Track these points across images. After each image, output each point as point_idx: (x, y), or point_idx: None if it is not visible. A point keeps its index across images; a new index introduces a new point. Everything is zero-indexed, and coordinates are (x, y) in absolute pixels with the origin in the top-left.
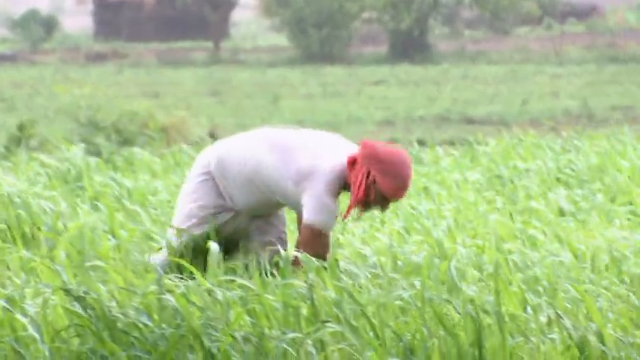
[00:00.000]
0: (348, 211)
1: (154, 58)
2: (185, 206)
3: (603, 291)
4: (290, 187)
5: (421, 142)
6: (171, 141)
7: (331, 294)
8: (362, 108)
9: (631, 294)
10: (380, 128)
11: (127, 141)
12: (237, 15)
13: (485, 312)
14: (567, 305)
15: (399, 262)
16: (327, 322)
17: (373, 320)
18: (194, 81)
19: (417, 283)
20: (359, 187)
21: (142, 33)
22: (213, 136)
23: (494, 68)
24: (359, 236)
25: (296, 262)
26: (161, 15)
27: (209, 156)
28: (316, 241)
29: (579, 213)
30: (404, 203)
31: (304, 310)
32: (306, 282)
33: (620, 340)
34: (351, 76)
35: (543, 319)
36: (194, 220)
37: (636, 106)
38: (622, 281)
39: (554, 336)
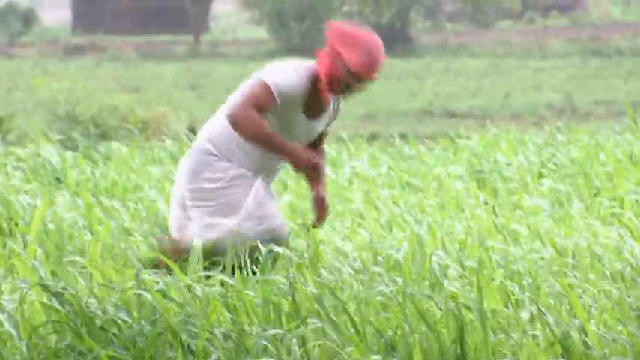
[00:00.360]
0: (324, 93)
1: (133, 52)
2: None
3: (587, 286)
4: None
5: (403, 137)
6: (151, 135)
7: (312, 290)
8: (342, 102)
9: (614, 289)
10: (361, 122)
11: (106, 135)
12: (217, 8)
13: (468, 308)
14: (550, 301)
15: (380, 258)
16: (308, 318)
17: (354, 316)
18: (174, 75)
19: (399, 279)
20: (324, 61)
21: (121, 26)
22: (193, 131)
23: (476, 62)
24: (340, 232)
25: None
26: (140, 8)
27: (202, 145)
28: (259, 89)
29: (562, 208)
30: (385, 197)
31: (285, 306)
32: (286, 278)
33: (604, 336)
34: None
35: (526, 315)
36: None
37: (619, 100)
38: (605, 277)
39: (537, 332)
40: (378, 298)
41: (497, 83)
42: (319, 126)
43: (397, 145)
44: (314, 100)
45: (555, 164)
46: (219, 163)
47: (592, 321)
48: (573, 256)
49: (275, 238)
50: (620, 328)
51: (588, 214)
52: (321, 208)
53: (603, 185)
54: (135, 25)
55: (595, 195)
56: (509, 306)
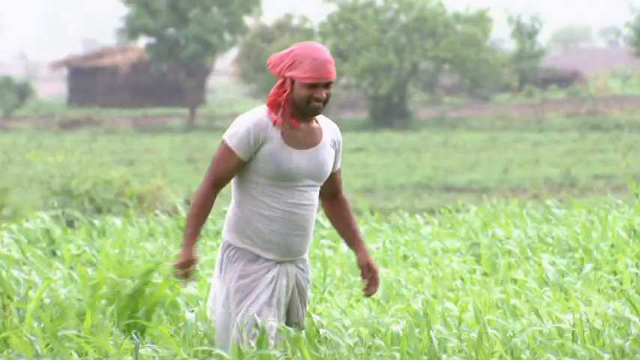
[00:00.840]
0: (292, 119)
1: (128, 125)
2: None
3: None
4: None
5: (402, 210)
6: (146, 209)
7: None
8: (342, 176)
9: None
10: (360, 196)
11: (101, 209)
12: (214, 81)
13: None
14: None
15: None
16: None
17: None
18: (170, 148)
19: (397, 354)
20: (279, 92)
21: (117, 100)
22: (190, 204)
23: (474, 135)
24: (337, 306)
25: None
26: (136, 82)
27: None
28: (216, 153)
29: (563, 283)
30: (382, 273)
31: None
32: (283, 352)
33: None
34: None
35: None
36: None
37: (619, 174)
38: (606, 352)
39: None
40: None
41: (496, 157)
42: (320, 156)
43: (395, 219)
44: (291, 131)
45: (554, 238)
46: (235, 264)
47: None
48: (573, 333)
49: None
50: None
51: (588, 289)
52: (368, 274)
53: (605, 259)
54: (131, 99)
55: (595, 269)
56: None
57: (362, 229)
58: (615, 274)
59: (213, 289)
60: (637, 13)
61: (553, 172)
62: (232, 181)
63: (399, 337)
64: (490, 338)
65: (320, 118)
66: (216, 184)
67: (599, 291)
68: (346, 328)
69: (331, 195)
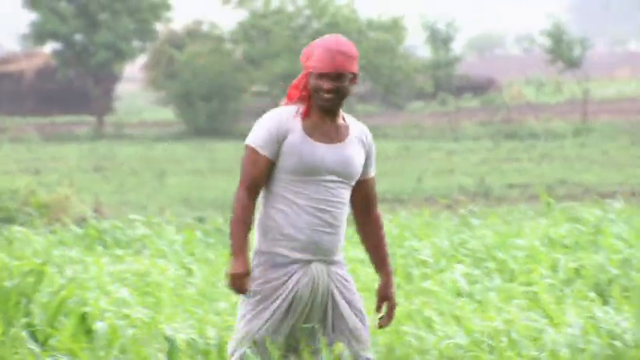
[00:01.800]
0: (305, 112)
1: (34, 133)
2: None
3: None
4: None
5: None
6: (53, 219)
7: None
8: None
9: None
10: None
11: (6, 219)
12: (122, 89)
13: None
14: None
15: None
16: None
17: None
18: (77, 156)
19: None
20: (295, 83)
21: (22, 107)
22: (98, 213)
23: (387, 144)
24: None
25: None
26: (42, 88)
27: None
28: (244, 159)
29: (477, 293)
30: None
31: None
32: None
33: None
34: (240, 151)
35: None
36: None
37: (533, 183)
38: None
39: None
40: None
41: (409, 166)
42: (346, 151)
43: None
44: (314, 124)
45: (468, 249)
46: (257, 269)
47: None
48: (490, 342)
49: None
50: None
51: (504, 300)
52: (385, 307)
53: (519, 269)
54: (37, 106)
55: (510, 280)
56: None
57: None
58: (530, 284)
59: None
60: (552, 20)
61: (467, 182)
62: None
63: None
64: (405, 350)
65: (349, 117)
66: (250, 188)
67: (511, 302)
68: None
69: (364, 209)
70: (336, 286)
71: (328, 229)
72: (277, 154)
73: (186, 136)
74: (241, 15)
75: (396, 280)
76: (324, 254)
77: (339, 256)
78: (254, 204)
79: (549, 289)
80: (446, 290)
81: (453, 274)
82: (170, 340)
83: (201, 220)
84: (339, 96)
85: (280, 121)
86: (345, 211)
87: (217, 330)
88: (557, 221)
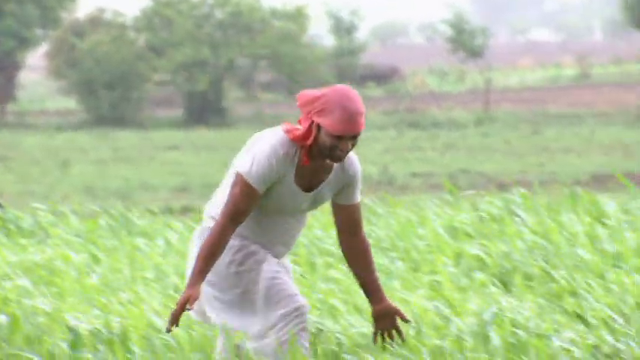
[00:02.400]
0: (305, 158)
1: None
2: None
3: None
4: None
5: None
6: None
7: None
8: (155, 174)
9: None
10: (174, 195)
11: None
12: (25, 77)
13: None
14: None
15: (195, 333)
16: None
17: None
18: None
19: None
20: (304, 133)
21: None
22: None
23: None
24: (153, 307)
25: None
26: None
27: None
28: (235, 189)
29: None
30: None
31: None
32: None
33: None
34: (144, 140)
35: None
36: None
37: (436, 172)
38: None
39: None
40: None
41: None
42: (319, 195)
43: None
44: (305, 170)
45: (372, 237)
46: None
47: None
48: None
49: (299, 321)
50: None
51: (408, 289)
52: (387, 322)
53: (423, 258)
54: None
55: (414, 269)
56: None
57: (177, 230)
58: (434, 273)
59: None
60: (454, 9)
61: (372, 170)
62: (225, 183)
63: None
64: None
65: None
66: (235, 219)
67: (415, 291)
68: (161, 331)
69: (350, 233)
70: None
71: (280, 244)
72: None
73: (88, 125)
74: (144, 3)
75: (299, 270)
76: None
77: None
78: (232, 234)
79: (453, 278)
80: (350, 279)
81: None
82: (73, 330)
83: (103, 208)
84: (350, 151)
85: (284, 163)
86: (303, 225)
87: (121, 320)
88: (461, 210)
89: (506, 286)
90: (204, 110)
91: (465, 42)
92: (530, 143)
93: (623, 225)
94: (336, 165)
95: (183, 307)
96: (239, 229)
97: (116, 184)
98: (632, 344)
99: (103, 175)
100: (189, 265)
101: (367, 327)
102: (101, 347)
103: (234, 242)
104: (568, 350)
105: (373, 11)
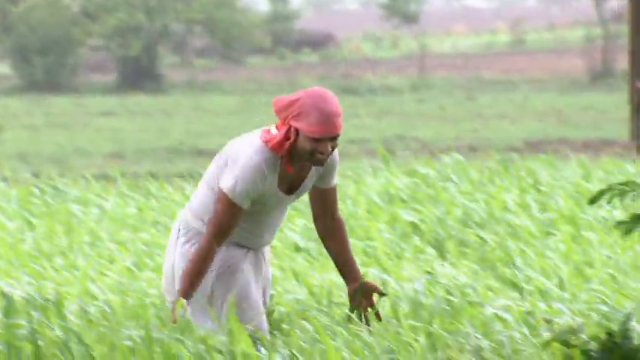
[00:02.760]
0: (288, 167)
1: None
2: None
3: (339, 329)
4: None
5: (153, 175)
6: None
7: (58, 334)
8: (89, 140)
9: (364, 332)
10: (109, 161)
11: None
12: None
13: (219, 351)
14: (303, 344)
15: (130, 300)
16: None
17: None
18: None
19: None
20: (282, 140)
21: None
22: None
23: (226, 99)
24: (87, 274)
25: None
26: None
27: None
28: (220, 207)
29: (314, 249)
30: (135, 239)
31: (28, 351)
32: (29, 322)
33: None
34: (77, 106)
35: (280, 358)
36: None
37: (373, 138)
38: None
39: None
40: (127, 342)
41: (248, 120)
42: (301, 192)
43: (146, 184)
44: (286, 175)
45: (307, 204)
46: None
47: None
48: (329, 297)
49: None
50: None
51: None
52: (365, 294)
53: (358, 224)
54: None
55: (350, 235)
56: (262, 349)
57: (112, 196)
58: (370, 239)
59: (167, 268)
60: None
61: None
62: (202, 182)
63: (147, 306)
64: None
65: None
66: (220, 237)
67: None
68: (96, 297)
69: (326, 215)
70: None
71: (266, 235)
72: None
73: (22, 91)
74: None
75: None
76: (258, 248)
77: None
78: (214, 252)
79: (388, 244)
80: (284, 245)
81: (292, 228)
82: (7, 297)
83: (37, 175)
84: (330, 154)
85: (266, 174)
86: (285, 214)
87: (55, 286)
88: (396, 176)
89: (440, 252)
90: (138, 76)
91: (399, 8)
92: (464, 109)
93: (556, 191)
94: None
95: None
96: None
97: (50, 149)
98: (565, 310)
99: (37, 140)
100: (169, 261)
101: (303, 293)
102: (35, 314)
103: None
104: (502, 317)
105: None
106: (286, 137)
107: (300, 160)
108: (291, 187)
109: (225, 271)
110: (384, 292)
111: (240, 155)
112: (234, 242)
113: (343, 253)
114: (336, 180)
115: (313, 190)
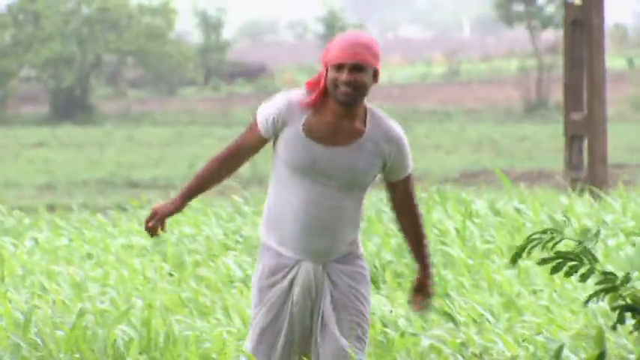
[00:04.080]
0: (314, 99)
1: None
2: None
3: None
4: None
5: (84, 207)
6: None
7: None
8: (21, 172)
9: None
10: (40, 193)
11: None
12: None
13: None
14: None
15: (61, 333)
16: None
17: None
18: None
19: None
20: (316, 79)
21: None
22: None
23: (159, 130)
24: (19, 305)
25: None
26: None
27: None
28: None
29: (249, 280)
30: (65, 273)
31: None
32: None
33: None
34: (8, 137)
35: None
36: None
37: None
38: None
39: None
40: None
41: (181, 152)
42: (349, 158)
43: (78, 216)
44: (319, 123)
45: (242, 235)
46: (259, 262)
47: None
48: None
49: None
50: None
51: None
52: (421, 299)
53: None
54: None
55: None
56: None
57: (45, 226)
58: None
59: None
60: (327, 7)
61: (240, 169)
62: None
63: (82, 337)
64: (177, 338)
65: (377, 117)
66: (233, 151)
67: None
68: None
69: (400, 206)
70: (332, 287)
71: (317, 233)
72: (274, 136)
73: None
74: None
75: (168, 268)
76: (319, 258)
77: (341, 253)
78: (225, 169)
79: None
80: (218, 277)
81: (224, 262)
82: None
83: None
84: (358, 92)
85: (287, 108)
86: (350, 216)
87: None
88: None
89: (376, 284)
90: (71, 107)
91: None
92: None
93: (492, 222)
94: (375, 131)
95: (152, 216)
96: (272, 227)
97: None
98: (499, 342)
99: None
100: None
101: (235, 326)
102: None
103: (270, 261)
104: (437, 348)
105: (242, 8)
106: (320, 75)
107: (331, 98)
108: (331, 142)
109: (259, 286)
110: (431, 291)
111: None
112: (276, 243)
113: (415, 242)
114: (410, 170)
115: (389, 185)
